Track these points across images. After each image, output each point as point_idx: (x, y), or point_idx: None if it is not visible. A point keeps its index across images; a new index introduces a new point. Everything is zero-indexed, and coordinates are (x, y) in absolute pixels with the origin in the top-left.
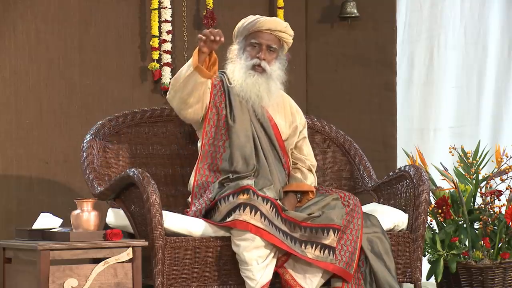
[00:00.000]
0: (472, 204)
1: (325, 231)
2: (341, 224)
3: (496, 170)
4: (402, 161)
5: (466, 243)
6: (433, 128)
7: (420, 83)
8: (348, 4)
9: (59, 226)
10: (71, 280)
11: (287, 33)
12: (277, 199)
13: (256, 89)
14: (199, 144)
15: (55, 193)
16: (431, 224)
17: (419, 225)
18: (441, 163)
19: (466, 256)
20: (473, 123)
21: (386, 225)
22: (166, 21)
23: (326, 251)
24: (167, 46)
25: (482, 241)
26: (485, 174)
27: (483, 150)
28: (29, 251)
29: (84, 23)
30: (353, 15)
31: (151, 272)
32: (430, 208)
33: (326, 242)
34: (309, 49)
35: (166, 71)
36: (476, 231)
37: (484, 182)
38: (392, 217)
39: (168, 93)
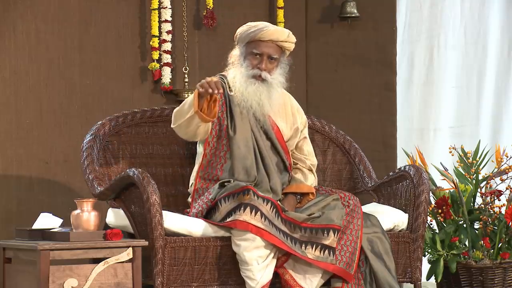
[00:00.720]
0: (472, 204)
1: (325, 232)
2: (341, 224)
3: (496, 170)
4: (402, 161)
5: (466, 243)
6: (433, 128)
7: (420, 83)
8: (348, 4)
9: (59, 226)
10: (71, 280)
11: (289, 41)
12: (277, 200)
13: (257, 97)
14: (199, 150)
15: (55, 193)
16: (431, 224)
17: (419, 225)
18: (441, 163)
19: (466, 256)
20: (473, 123)
21: (386, 225)
22: (166, 21)
23: (326, 251)
24: (167, 46)
25: (482, 241)
26: (485, 174)
27: (483, 150)
28: (29, 251)
29: (84, 23)
30: (353, 15)
31: (151, 272)
32: (430, 208)
33: (326, 242)
34: (309, 49)
35: (166, 71)
36: (476, 231)
37: (484, 182)
38: (392, 217)
39: (172, 123)
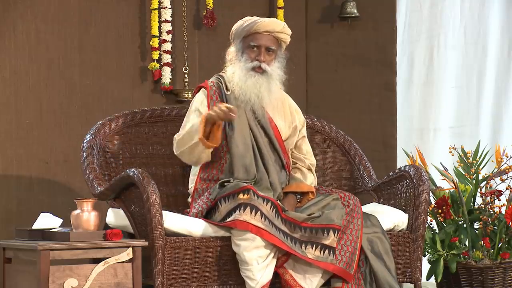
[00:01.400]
0: (472, 204)
1: (325, 232)
2: (341, 224)
3: (496, 170)
4: (402, 161)
5: (466, 243)
6: (433, 128)
7: (420, 83)
8: (348, 4)
9: (59, 226)
10: (71, 280)
11: (285, 33)
12: (277, 200)
13: (256, 89)
14: None
15: (55, 193)
16: (431, 224)
17: (419, 225)
18: (441, 163)
19: (466, 256)
20: (473, 123)
21: (386, 225)
22: (166, 21)
23: (326, 251)
24: (167, 46)
25: (482, 241)
26: (485, 174)
27: (483, 150)
28: (29, 251)
29: (84, 23)
30: (353, 15)
31: (151, 272)
32: (430, 208)
33: (326, 242)
34: (309, 49)
35: (166, 71)
36: (476, 231)
37: (484, 182)
38: (392, 217)
39: (175, 149)
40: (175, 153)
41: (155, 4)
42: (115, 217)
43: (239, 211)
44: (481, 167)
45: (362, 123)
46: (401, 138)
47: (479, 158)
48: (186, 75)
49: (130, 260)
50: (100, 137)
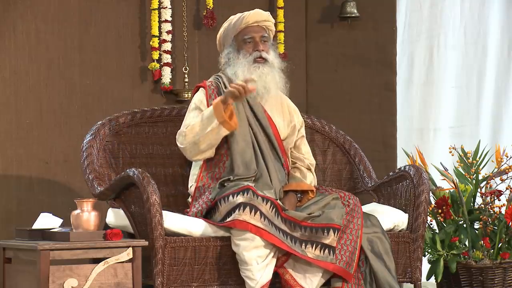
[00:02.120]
0: (472, 204)
1: (325, 231)
2: (341, 223)
3: (496, 170)
4: (402, 161)
5: (466, 243)
6: (433, 128)
7: (420, 83)
8: (348, 4)
9: (59, 226)
10: (71, 280)
11: (271, 21)
12: (277, 199)
13: (263, 80)
14: None
15: (55, 193)
16: (431, 224)
17: (419, 225)
18: (441, 163)
19: (466, 256)
20: (473, 123)
21: (386, 225)
22: (166, 21)
23: (326, 250)
24: (167, 46)
25: (482, 241)
26: (485, 174)
27: (483, 150)
28: (29, 251)
29: (84, 23)
30: (353, 15)
31: (151, 272)
32: (430, 208)
33: (326, 241)
34: (309, 49)
35: (166, 71)
36: (476, 231)
37: (484, 182)
38: (392, 217)
39: (180, 142)
40: (179, 146)
41: (155, 4)
42: (115, 217)
43: (239, 211)
44: (481, 167)
45: (362, 123)
46: (401, 138)
47: (479, 158)
48: (186, 75)
49: (130, 260)
50: (100, 137)
